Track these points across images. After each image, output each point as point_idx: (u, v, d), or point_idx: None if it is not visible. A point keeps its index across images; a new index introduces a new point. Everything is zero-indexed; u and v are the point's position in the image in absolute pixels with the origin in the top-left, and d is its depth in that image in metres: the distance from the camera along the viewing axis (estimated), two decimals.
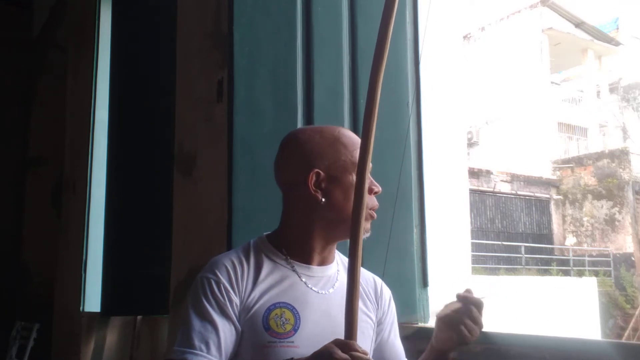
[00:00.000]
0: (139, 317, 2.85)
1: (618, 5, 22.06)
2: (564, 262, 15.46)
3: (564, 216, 16.62)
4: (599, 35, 20.29)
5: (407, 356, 1.29)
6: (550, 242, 16.22)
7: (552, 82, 19.33)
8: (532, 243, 15.38)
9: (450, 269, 2.05)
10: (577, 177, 16.50)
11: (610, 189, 15.77)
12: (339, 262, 1.25)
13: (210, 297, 1.10)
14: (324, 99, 1.84)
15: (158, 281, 2.38)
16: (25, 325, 4.14)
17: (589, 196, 16.15)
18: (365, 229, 1.14)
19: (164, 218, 2.30)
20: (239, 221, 1.70)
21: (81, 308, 3.28)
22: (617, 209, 15.66)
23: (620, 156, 15.90)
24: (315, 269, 1.18)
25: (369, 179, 1.17)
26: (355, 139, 1.19)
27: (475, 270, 11.96)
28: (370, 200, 1.16)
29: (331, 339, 1.02)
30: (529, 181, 16.08)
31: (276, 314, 1.10)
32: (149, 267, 2.63)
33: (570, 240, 16.43)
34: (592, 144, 19.08)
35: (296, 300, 1.13)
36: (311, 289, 1.16)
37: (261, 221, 1.65)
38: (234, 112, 1.76)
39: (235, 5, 1.80)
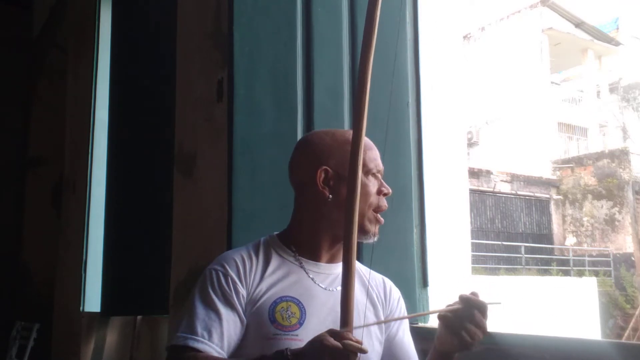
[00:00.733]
0: (139, 317, 2.85)
1: (618, 5, 22.06)
2: (564, 262, 15.45)
3: (564, 216, 16.62)
4: (599, 35, 20.29)
5: None
6: (550, 242, 16.21)
7: (552, 82, 19.33)
8: (532, 243, 15.38)
9: (450, 269, 2.05)
10: (577, 177, 16.49)
11: (610, 189, 15.77)
12: None
13: (217, 287, 1.12)
14: (324, 99, 1.84)
15: (158, 281, 2.38)
16: (25, 325, 4.14)
17: (589, 196, 16.14)
18: (373, 233, 1.17)
19: (164, 218, 2.30)
20: (239, 221, 1.70)
21: (81, 308, 3.28)
22: (617, 209, 15.66)
23: (620, 156, 15.89)
24: (324, 266, 1.20)
25: (378, 180, 1.19)
26: (366, 142, 1.20)
27: (475, 270, 11.96)
28: (379, 201, 1.19)
29: None
30: (529, 181, 16.07)
31: (282, 307, 1.12)
32: (149, 267, 2.63)
33: (570, 240, 16.43)
34: (592, 144, 19.07)
35: (302, 295, 1.15)
36: (318, 285, 1.18)
37: (261, 221, 1.66)
38: (234, 112, 1.76)
39: (235, 5, 1.80)
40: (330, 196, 1.16)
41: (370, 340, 1.18)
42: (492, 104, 18.38)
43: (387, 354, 1.25)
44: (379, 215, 1.19)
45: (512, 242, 14.92)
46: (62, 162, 4.10)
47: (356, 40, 1.91)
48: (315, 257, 1.20)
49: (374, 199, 1.19)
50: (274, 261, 1.18)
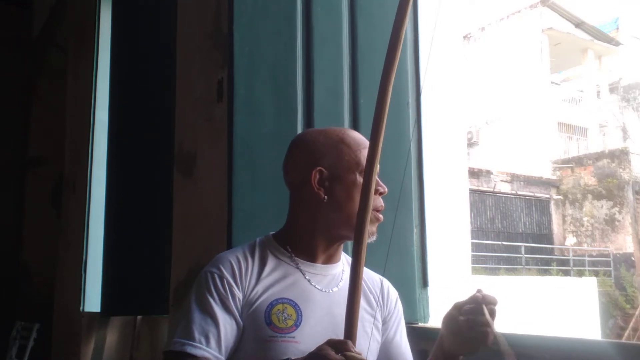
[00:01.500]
0: (139, 317, 2.85)
1: (618, 5, 22.06)
2: (564, 262, 15.46)
3: (564, 216, 16.62)
4: (599, 35, 20.29)
5: None
6: (550, 242, 16.22)
7: (552, 82, 19.32)
8: (532, 243, 15.38)
9: (450, 269, 2.05)
10: (577, 177, 16.50)
11: (610, 189, 15.77)
12: (345, 261, 1.25)
13: (213, 291, 1.11)
14: (324, 99, 1.84)
15: (158, 281, 2.38)
16: (25, 325, 4.14)
17: (589, 196, 16.14)
18: (371, 232, 1.15)
19: (164, 218, 2.30)
20: (239, 221, 1.70)
21: (81, 308, 3.28)
22: (617, 209, 15.66)
23: (620, 156, 15.90)
24: (320, 267, 1.19)
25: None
26: (360, 140, 1.20)
27: (475, 270, 11.96)
28: (376, 201, 1.16)
29: (332, 337, 1.02)
30: (529, 181, 16.07)
31: (278, 309, 1.11)
32: (149, 267, 2.62)
33: (570, 240, 16.43)
34: (592, 144, 19.08)
35: (299, 296, 1.14)
36: (315, 286, 1.17)
37: (261, 221, 1.66)
38: (234, 112, 1.76)
39: (235, 5, 1.80)
40: (326, 197, 1.15)
41: (367, 341, 1.17)
42: (492, 104, 18.38)
43: (383, 355, 1.24)
44: (378, 214, 1.17)
45: (512, 242, 14.93)
46: (62, 162, 4.11)
47: (356, 40, 1.91)
48: (311, 258, 1.19)
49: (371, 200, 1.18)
50: (270, 262, 1.17)
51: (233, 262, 1.14)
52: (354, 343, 0.99)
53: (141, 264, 2.74)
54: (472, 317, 1.05)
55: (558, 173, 16.97)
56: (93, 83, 3.50)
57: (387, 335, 1.26)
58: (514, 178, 15.69)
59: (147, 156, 2.80)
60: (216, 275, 1.12)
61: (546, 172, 16.97)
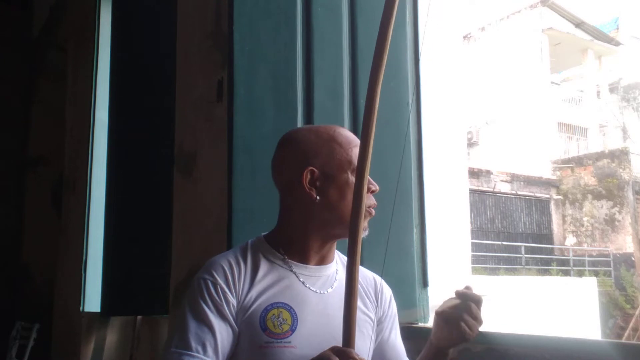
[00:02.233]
0: (139, 317, 2.85)
1: (618, 5, 22.07)
2: (564, 262, 15.46)
3: (564, 216, 16.62)
4: (599, 35, 20.28)
5: (407, 356, 1.29)
6: (550, 242, 16.22)
7: (552, 82, 19.32)
8: (532, 243, 15.39)
9: (450, 269, 2.05)
10: (577, 177, 16.50)
11: (610, 189, 15.77)
12: (338, 261, 1.24)
13: (207, 298, 1.09)
14: (324, 99, 1.84)
15: (158, 281, 2.38)
16: (25, 325, 4.14)
17: (589, 196, 16.15)
18: (363, 227, 1.14)
19: (164, 218, 2.30)
20: (239, 221, 1.70)
21: (81, 308, 3.28)
22: (617, 209, 15.66)
23: (620, 156, 15.89)
24: (313, 268, 1.18)
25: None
26: (351, 138, 1.19)
27: (475, 270, 11.96)
28: (368, 199, 1.15)
29: (328, 339, 1.02)
30: (529, 181, 16.08)
31: (273, 314, 1.09)
32: (149, 267, 2.63)
33: (570, 240, 16.43)
34: (592, 144, 19.08)
35: (293, 300, 1.12)
36: (309, 288, 1.15)
37: (261, 221, 1.65)
38: (234, 112, 1.76)
39: (235, 5, 1.80)
40: (318, 197, 1.13)
41: (363, 342, 1.17)
42: (492, 104, 18.38)
43: (378, 355, 1.24)
44: (370, 208, 1.16)
45: (512, 242, 14.93)
46: (62, 162, 4.11)
47: (356, 40, 1.91)
48: (304, 259, 1.17)
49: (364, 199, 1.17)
50: (263, 266, 1.15)
51: (225, 267, 1.12)
52: (353, 346, 0.99)
53: (141, 264, 2.74)
54: (458, 312, 1.11)
55: (558, 173, 16.97)
56: (93, 83, 3.51)
57: (383, 335, 1.25)
58: (514, 178, 15.69)
59: (147, 156, 2.81)
60: (209, 282, 1.10)
61: (546, 172, 16.97)
